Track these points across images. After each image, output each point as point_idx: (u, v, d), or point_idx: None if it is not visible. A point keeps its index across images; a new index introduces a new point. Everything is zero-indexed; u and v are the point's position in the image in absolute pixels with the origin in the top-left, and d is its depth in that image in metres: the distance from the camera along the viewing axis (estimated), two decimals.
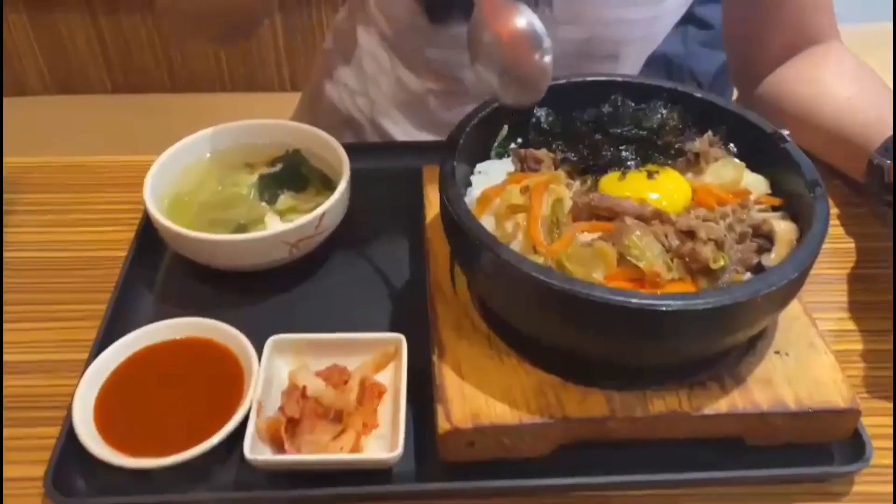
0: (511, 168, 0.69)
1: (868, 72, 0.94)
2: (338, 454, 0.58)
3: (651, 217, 0.61)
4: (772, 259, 0.60)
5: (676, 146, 0.68)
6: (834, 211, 0.84)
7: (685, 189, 0.65)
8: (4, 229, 0.82)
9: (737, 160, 0.68)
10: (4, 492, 0.59)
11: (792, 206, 0.64)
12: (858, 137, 0.83)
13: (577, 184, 0.67)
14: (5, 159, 0.90)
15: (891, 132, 0.76)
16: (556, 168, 0.68)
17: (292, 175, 0.81)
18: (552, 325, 0.57)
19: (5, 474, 0.60)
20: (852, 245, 0.81)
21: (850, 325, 0.73)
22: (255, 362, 0.63)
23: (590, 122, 0.71)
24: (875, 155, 0.77)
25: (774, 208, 0.65)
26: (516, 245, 0.60)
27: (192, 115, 1.75)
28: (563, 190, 0.64)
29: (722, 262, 0.57)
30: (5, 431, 0.63)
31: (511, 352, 0.62)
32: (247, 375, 0.63)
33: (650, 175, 0.65)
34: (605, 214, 0.62)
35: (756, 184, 0.67)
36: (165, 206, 0.76)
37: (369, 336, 0.66)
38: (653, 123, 0.70)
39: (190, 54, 1.87)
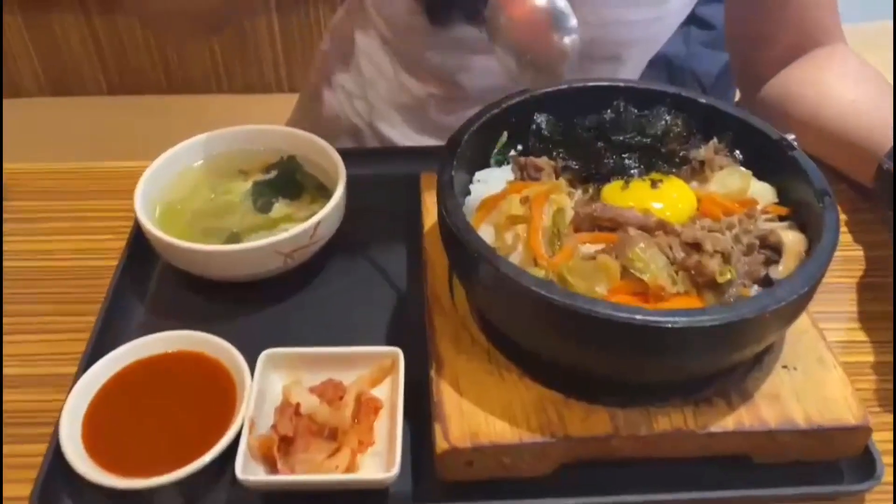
0: (510, 176, 0.67)
1: (873, 74, 0.92)
2: (333, 474, 0.56)
3: (655, 228, 0.59)
4: (780, 271, 0.58)
5: (681, 154, 0.67)
6: (841, 217, 0.82)
7: (690, 198, 0.63)
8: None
9: (743, 168, 0.66)
10: None
11: (800, 216, 0.62)
12: (863, 141, 0.82)
13: (578, 192, 0.65)
14: None
15: None
16: (556, 176, 0.66)
17: (287, 182, 0.79)
18: (553, 341, 0.56)
19: None
20: (861, 253, 0.80)
21: (859, 336, 0.71)
22: (247, 377, 0.61)
23: (591, 129, 0.69)
24: (885, 160, 0.76)
25: (782, 218, 0.63)
26: (516, 257, 0.59)
27: (189, 116, 1.75)
28: (565, 199, 0.62)
29: (729, 276, 0.55)
30: None
31: (511, 366, 0.60)
32: (239, 391, 0.61)
33: (654, 184, 0.64)
34: (607, 225, 0.60)
35: (763, 192, 0.65)
36: (157, 214, 0.75)
37: (365, 350, 0.64)
38: (656, 130, 0.68)
39: (186, 55, 1.85)
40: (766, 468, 0.58)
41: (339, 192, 0.73)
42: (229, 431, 0.58)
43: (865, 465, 0.59)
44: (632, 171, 0.66)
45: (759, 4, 0.95)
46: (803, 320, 0.63)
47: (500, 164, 0.69)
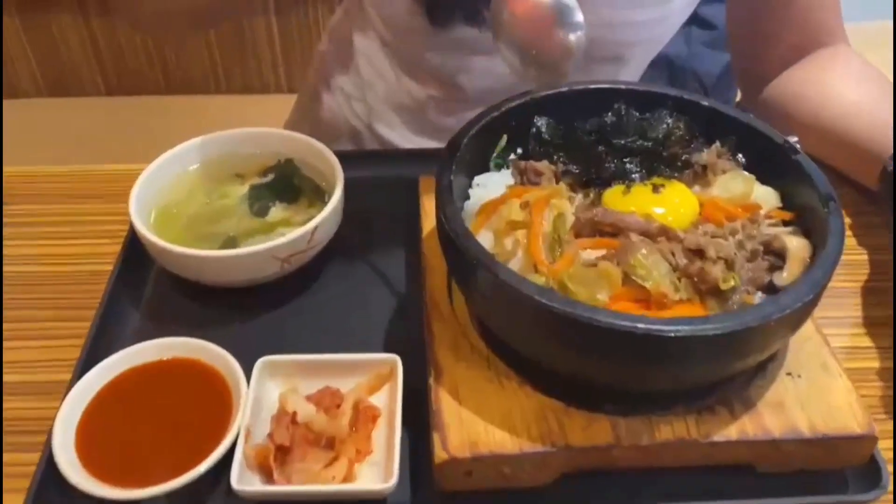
0: (510, 180, 0.66)
1: (876, 74, 0.92)
2: (330, 485, 0.55)
3: (657, 233, 0.58)
4: (784, 278, 0.57)
5: (683, 158, 0.66)
6: (846, 221, 0.81)
7: (692, 203, 0.62)
8: None
9: (746, 172, 0.65)
10: None
11: (804, 221, 0.62)
12: (866, 141, 0.81)
13: (579, 197, 0.64)
14: None
15: None
16: (557, 181, 0.65)
17: (284, 186, 0.78)
18: (554, 350, 0.55)
19: None
20: (865, 257, 0.79)
21: (864, 342, 0.70)
22: (243, 385, 0.60)
23: (592, 133, 0.68)
24: (889, 162, 0.75)
25: (786, 223, 0.62)
26: (516, 264, 0.58)
27: (188, 117, 1.74)
28: (565, 205, 0.61)
29: (732, 283, 0.54)
30: None
31: (511, 374, 0.59)
32: (235, 398, 0.60)
33: (656, 188, 0.63)
34: (608, 230, 0.59)
35: (766, 197, 0.64)
36: (153, 218, 0.74)
37: (363, 357, 0.63)
38: (658, 134, 0.67)
39: (184, 55, 1.85)
40: (769, 477, 0.57)
41: (336, 196, 0.72)
42: (225, 440, 0.57)
43: (871, 474, 0.58)
44: (633, 176, 0.65)
45: (762, 4, 0.94)
46: (807, 326, 0.62)
47: (499, 167, 0.68)
